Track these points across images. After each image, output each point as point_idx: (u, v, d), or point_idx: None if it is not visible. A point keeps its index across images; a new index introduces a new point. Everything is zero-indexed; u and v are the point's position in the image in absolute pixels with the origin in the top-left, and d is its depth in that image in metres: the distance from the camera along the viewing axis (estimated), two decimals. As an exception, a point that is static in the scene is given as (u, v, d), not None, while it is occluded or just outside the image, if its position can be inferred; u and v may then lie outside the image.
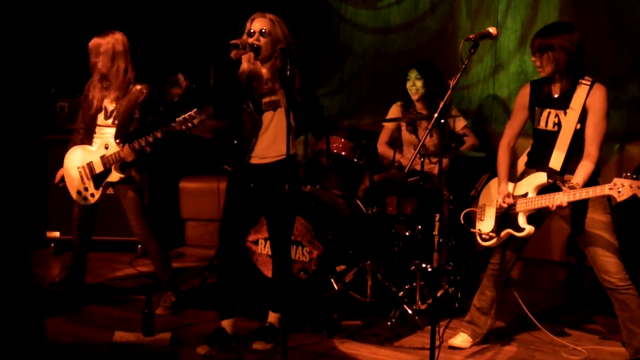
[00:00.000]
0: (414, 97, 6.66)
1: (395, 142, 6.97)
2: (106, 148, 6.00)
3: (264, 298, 5.91)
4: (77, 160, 6.14)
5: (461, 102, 7.43)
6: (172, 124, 5.62)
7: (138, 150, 5.85)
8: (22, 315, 4.90)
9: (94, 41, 5.98)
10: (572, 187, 4.77)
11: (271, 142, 5.27)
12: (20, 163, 7.87)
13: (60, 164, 6.28)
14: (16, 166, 7.85)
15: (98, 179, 6.07)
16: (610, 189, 4.61)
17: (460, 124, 6.74)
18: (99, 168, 6.05)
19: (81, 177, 6.12)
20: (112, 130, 6.01)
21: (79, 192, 6.15)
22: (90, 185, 6.10)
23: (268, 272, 6.10)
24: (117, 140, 5.96)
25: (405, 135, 6.79)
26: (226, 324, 5.50)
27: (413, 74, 6.63)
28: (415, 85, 6.63)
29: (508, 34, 7.20)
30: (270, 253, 5.94)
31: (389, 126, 6.94)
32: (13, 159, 7.83)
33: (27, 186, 7.88)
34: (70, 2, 8.09)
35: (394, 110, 6.86)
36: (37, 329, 5.25)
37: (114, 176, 6.02)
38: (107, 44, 5.95)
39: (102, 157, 6.02)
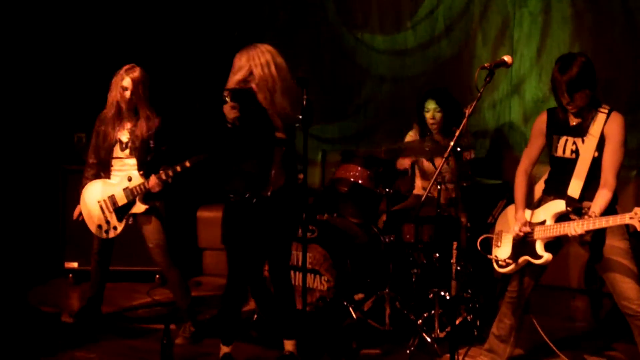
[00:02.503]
0: (433, 128, 6.65)
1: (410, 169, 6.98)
2: (129, 180, 6.03)
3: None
4: (96, 194, 6.17)
5: (477, 129, 7.43)
6: (202, 154, 5.68)
7: (164, 180, 5.89)
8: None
9: (120, 75, 6.03)
10: (589, 216, 4.75)
11: (278, 173, 5.29)
12: (38, 193, 7.92)
13: (78, 194, 6.32)
14: (33, 196, 7.90)
15: (120, 212, 6.10)
16: (630, 218, 4.59)
17: (469, 154, 6.72)
18: (121, 200, 6.08)
19: (102, 210, 6.14)
20: (131, 162, 6.06)
21: (99, 226, 6.18)
22: (112, 218, 6.13)
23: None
24: (141, 172, 6.00)
25: (421, 163, 6.79)
26: (230, 348, 5.50)
27: (432, 106, 6.62)
28: (435, 118, 6.62)
29: (524, 61, 7.21)
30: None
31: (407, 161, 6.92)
32: (31, 189, 7.88)
33: (44, 216, 7.92)
34: (90, 35, 8.16)
35: (411, 137, 6.85)
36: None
37: (139, 207, 6.05)
38: (131, 79, 6.01)
39: (125, 190, 6.04)
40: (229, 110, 5.07)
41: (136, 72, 6.04)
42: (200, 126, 5.49)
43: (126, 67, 6.07)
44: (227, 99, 5.06)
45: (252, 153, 5.18)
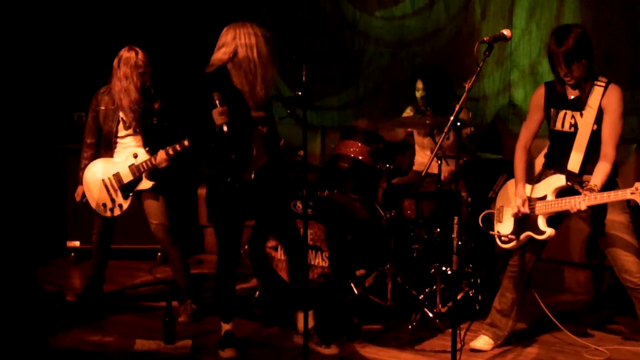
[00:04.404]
0: (423, 107, 6.69)
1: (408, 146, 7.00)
2: (135, 157, 6.03)
3: (283, 303, 5.92)
4: (99, 173, 6.17)
5: (477, 104, 7.42)
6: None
7: (172, 155, 5.89)
8: (23, 323, 4.94)
9: (124, 54, 6.02)
10: (590, 190, 4.76)
11: (259, 153, 5.32)
12: (38, 172, 7.91)
13: (78, 174, 6.31)
14: (34, 176, 7.89)
15: (126, 189, 6.10)
16: (632, 193, 4.60)
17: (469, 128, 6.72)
18: (127, 178, 6.08)
19: (107, 189, 6.14)
20: (135, 139, 6.07)
21: (104, 205, 6.18)
22: (118, 196, 6.14)
23: (287, 278, 6.08)
24: (147, 149, 6.01)
25: (419, 139, 6.82)
26: (231, 325, 5.50)
27: (420, 85, 6.70)
28: (423, 95, 6.67)
29: (523, 35, 7.18)
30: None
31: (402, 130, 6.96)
32: (31, 169, 7.87)
33: (45, 196, 7.91)
34: (88, 16, 8.12)
35: (407, 114, 6.87)
36: (39, 336, 5.29)
37: (146, 184, 6.07)
38: (135, 58, 6.00)
39: (131, 167, 6.05)
40: (217, 116, 5.05)
41: (143, 52, 6.05)
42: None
43: (130, 51, 6.03)
44: (217, 103, 5.04)
45: (233, 141, 5.17)
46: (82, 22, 8.12)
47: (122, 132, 6.13)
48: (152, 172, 6.06)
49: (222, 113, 5.03)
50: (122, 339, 5.72)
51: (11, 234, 6.99)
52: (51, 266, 7.63)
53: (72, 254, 7.79)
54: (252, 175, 5.27)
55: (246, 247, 6.24)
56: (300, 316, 5.49)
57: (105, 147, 6.20)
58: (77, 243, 7.74)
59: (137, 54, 6.03)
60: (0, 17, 7.59)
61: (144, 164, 6.03)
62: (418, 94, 6.74)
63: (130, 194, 6.13)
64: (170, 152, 5.89)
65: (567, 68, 4.89)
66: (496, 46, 4.71)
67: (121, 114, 6.10)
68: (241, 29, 5.17)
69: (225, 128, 5.03)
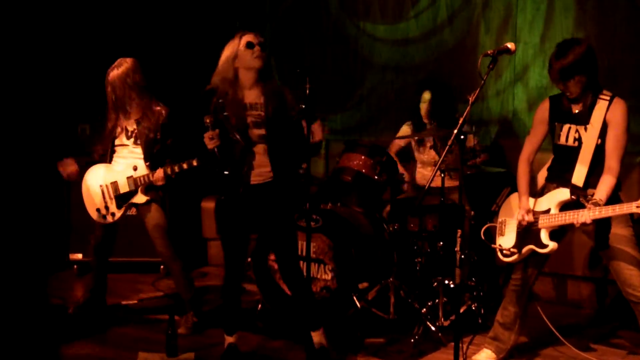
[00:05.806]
0: (427, 119, 6.69)
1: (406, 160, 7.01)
2: (135, 169, 6.03)
3: (286, 316, 5.92)
4: (99, 178, 6.17)
5: (481, 116, 7.42)
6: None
7: (169, 175, 5.89)
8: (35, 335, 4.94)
9: (110, 74, 6.01)
10: (595, 204, 4.75)
11: (264, 167, 5.25)
12: (41, 185, 7.91)
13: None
14: (38, 188, 7.89)
15: (121, 199, 6.10)
16: (637, 206, 4.60)
17: (471, 140, 6.72)
18: (124, 188, 6.08)
19: (103, 195, 6.14)
20: (136, 150, 6.06)
21: (98, 210, 6.18)
22: (112, 204, 6.13)
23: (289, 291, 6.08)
24: (147, 163, 6.00)
25: (418, 155, 6.82)
26: (234, 338, 5.50)
27: (428, 96, 6.68)
28: (430, 108, 6.66)
29: (527, 49, 7.19)
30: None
31: (399, 143, 6.97)
32: (35, 181, 7.87)
33: (48, 208, 7.91)
34: (93, 30, 8.15)
35: (405, 131, 6.87)
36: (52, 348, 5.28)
37: (140, 198, 6.06)
38: (120, 75, 5.97)
39: (129, 178, 6.05)
40: (208, 141, 5.05)
41: (115, 70, 6.00)
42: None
43: (113, 65, 6.07)
44: (208, 127, 5.04)
45: (228, 158, 5.16)
46: (87, 35, 8.14)
47: (123, 140, 6.13)
48: (148, 187, 6.06)
49: (212, 137, 5.04)
50: (125, 352, 5.72)
51: (19, 246, 7.00)
52: (55, 279, 7.63)
53: (75, 267, 7.79)
54: (240, 190, 5.23)
55: (249, 259, 6.24)
56: (313, 335, 5.45)
57: (106, 153, 6.22)
58: (79, 256, 7.74)
59: (116, 65, 6.03)
60: (5, 30, 7.61)
61: (141, 179, 6.03)
62: (423, 106, 6.73)
63: (124, 205, 6.13)
64: (169, 171, 5.87)
65: (562, 83, 4.91)
66: (499, 59, 4.71)
67: (126, 123, 6.11)
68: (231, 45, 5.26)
69: (216, 151, 5.05)
